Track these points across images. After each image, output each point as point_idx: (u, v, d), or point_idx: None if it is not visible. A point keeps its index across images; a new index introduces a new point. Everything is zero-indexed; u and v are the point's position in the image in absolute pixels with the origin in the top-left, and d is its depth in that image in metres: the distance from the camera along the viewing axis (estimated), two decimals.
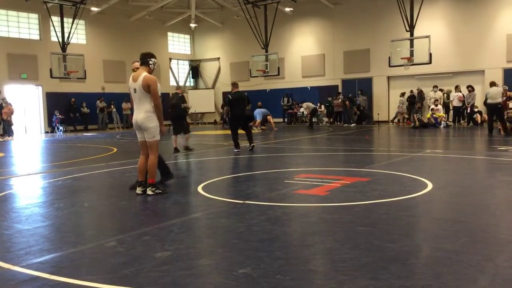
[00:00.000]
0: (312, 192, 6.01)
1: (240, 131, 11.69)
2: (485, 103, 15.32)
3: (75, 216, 5.26)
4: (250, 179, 7.29)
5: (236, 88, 11.71)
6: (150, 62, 6.03)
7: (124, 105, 26.03)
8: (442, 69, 21.62)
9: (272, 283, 3.01)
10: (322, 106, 24.87)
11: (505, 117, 14.83)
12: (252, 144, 11.65)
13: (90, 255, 3.76)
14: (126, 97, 25.83)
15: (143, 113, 5.95)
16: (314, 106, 23.26)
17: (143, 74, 5.92)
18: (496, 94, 14.31)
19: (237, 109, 11.41)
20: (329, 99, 24.59)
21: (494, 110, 14.47)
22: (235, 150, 11.30)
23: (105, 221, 5.16)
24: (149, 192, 6.07)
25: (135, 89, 5.95)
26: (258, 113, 21.39)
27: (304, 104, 23.72)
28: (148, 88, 5.85)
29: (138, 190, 6.17)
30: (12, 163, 11.16)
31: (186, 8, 28.53)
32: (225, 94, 29.38)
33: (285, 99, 25.66)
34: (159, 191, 6.11)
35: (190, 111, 29.67)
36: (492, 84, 14.72)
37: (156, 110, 5.95)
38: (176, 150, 11.76)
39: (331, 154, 10.96)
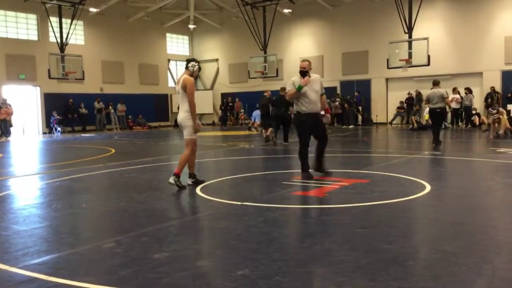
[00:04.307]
0: (310, 194, 6.01)
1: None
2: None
3: (73, 217, 5.25)
4: (248, 180, 7.29)
5: (282, 91, 13.14)
6: (189, 66, 6.59)
7: (119, 106, 26.04)
8: (441, 71, 21.62)
9: (271, 284, 3.00)
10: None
11: (491, 122, 14.34)
12: (286, 141, 13.46)
13: (87, 256, 3.75)
14: (122, 98, 26.04)
15: (183, 112, 6.49)
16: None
17: (184, 76, 6.53)
18: (437, 97, 11.87)
19: (279, 109, 13.34)
20: (328, 101, 24.57)
21: (434, 115, 12.24)
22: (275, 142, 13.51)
23: (103, 222, 5.15)
24: (171, 180, 6.47)
25: (178, 91, 6.55)
26: (257, 115, 21.39)
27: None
28: (186, 88, 6.40)
29: (189, 181, 6.69)
30: (10, 164, 11.13)
31: (184, 9, 28.53)
32: (223, 95, 29.51)
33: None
34: (179, 183, 6.47)
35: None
36: (434, 84, 12.24)
37: (190, 109, 6.44)
38: (268, 139, 14.00)
39: (329, 156, 10.94)
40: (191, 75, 6.55)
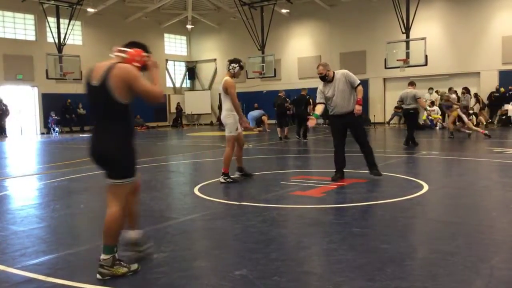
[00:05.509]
0: (308, 194, 6.01)
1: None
2: (401, 108, 13.00)
3: (71, 218, 5.25)
4: (246, 180, 7.28)
5: (304, 92, 14.60)
6: (230, 68, 6.88)
7: None
8: (438, 71, 21.69)
9: (269, 284, 3.01)
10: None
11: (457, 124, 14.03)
12: (305, 139, 14.30)
13: (86, 257, 3.75)
14: None
15: (224, 111, 6.89)
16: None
17: (225, 78, 6.82)
18: (409, 98, 11.62)
19: (298, 108, 14.41)
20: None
21: (407, 116, 12.13)
22: (297, 140, 14.29)
23: (101, 222, 5.09)
24: (221, 180, 6.81)
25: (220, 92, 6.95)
26: (252, 118, 21.42)
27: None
28: (227, 91, 6.72)
29: (236, 174, 7.05)
30: (7, 164, 11.11)
31: (182, 9, 28.52)
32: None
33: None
34: (230, 180, 6.82)
35: (188, 112, 29.63)
36: (409, 84, 12.08)
37: (234, 108, 6.79)
38: (280, 139, 14.67)
39: (327, 156, 10.96)
40: (233, 76, 6.84)
